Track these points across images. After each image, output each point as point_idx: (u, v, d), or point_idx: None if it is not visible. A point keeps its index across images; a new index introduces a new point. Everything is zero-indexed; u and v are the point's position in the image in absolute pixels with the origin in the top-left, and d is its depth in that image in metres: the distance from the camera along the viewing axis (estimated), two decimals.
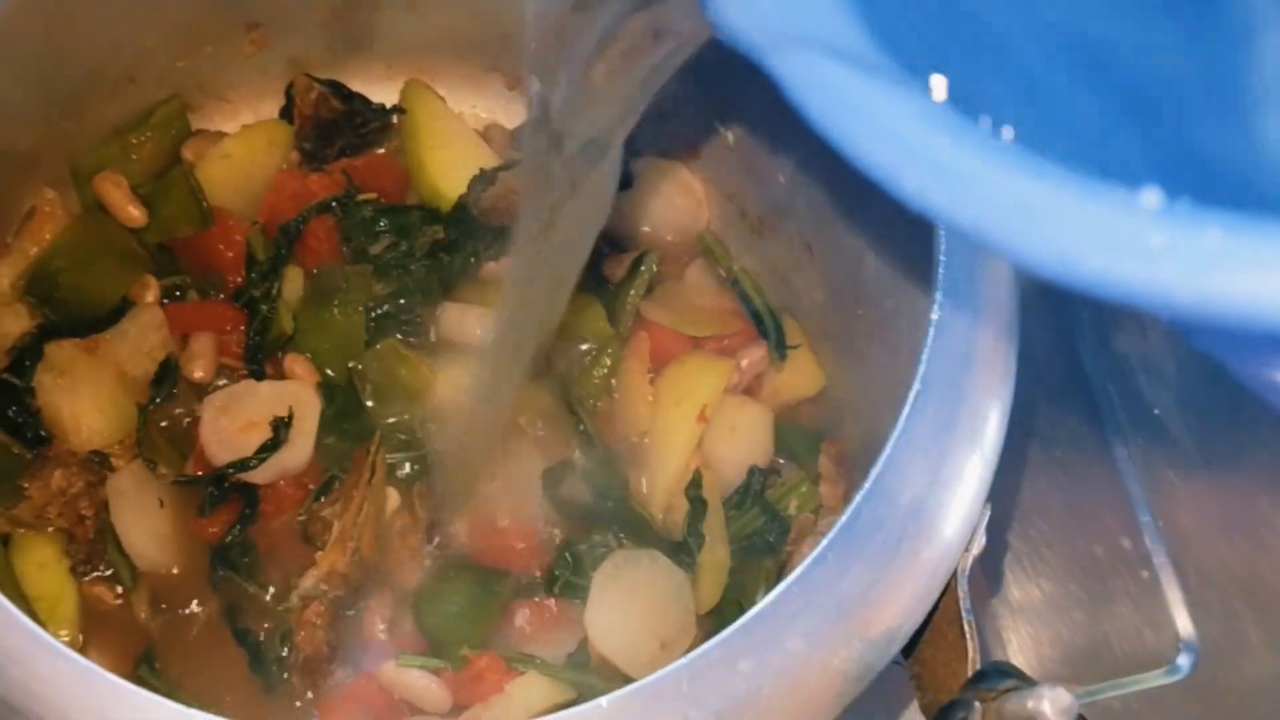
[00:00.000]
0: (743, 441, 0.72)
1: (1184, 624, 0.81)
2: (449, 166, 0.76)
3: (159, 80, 0.75)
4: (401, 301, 0.72)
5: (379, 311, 0.71)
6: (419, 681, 0.63)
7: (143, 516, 0.66)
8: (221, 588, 0.66)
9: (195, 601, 0.66)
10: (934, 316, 0.52)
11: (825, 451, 0.70)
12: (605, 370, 0.72)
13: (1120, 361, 0.88)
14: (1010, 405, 0.53)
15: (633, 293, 0.74)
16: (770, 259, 0.77)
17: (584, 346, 0.74)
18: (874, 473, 0.50)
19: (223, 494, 0.67)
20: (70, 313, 0.70)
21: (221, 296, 0.73)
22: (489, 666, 0.64)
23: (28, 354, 0.69)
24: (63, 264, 0.70)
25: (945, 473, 0.51)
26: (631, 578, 0.66)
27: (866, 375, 0.70)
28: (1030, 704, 0.43)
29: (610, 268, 0.76)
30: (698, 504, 0.70)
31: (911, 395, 0.51)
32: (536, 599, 0.67)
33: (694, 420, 0.71)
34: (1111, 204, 0.28)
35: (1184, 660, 0.80)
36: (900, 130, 0.31)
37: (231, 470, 0.67)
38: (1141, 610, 0.81)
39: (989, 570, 0.81)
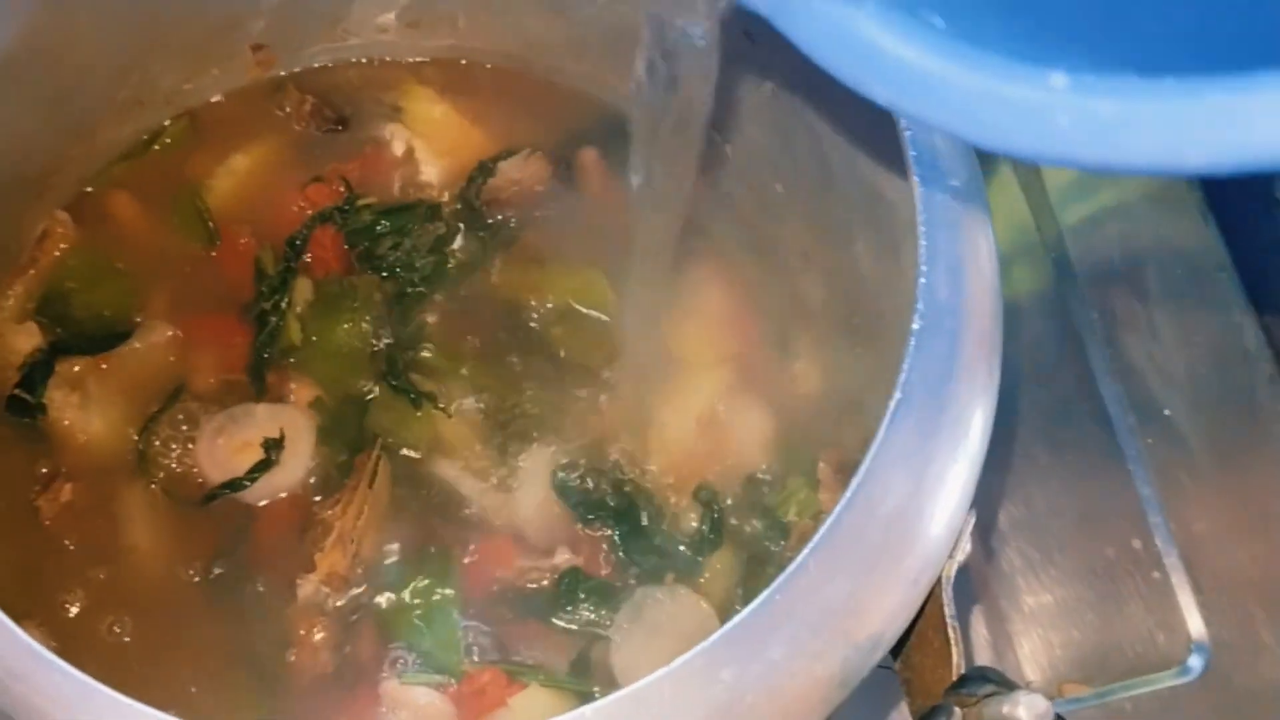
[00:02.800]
0: (744, 445, 0.72)
1: (1196, 625, 0.81)
2: (447, 161, 0.78)
3: (166, 102, 0.77)
4: (411, 294, 0.74)
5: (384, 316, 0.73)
6: (423, 698, 0.64)
7: (150, 532, 0.67)
8: (220, 606, 0.67)
9: (196, 620, 0.67)
10: (915, 326, 0.53)
11: (824, 458, 0.70)
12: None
13: (1129, 363, 0.88)
14: (993, 413, 0.53)
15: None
16: (773, 265, 0.77)
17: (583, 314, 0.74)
18: (855, 481, 0.50)
19: (219, 514, 0.68)
20: (82, 331, 0.72)
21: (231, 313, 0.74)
22: (491, 681, 0.65)
23: (39, 370, 0.70)
24: (74, 284, 0.72)
25: (928, 481, 0.51)
26: (654, 616, 0.67)
27: (864, 383, 0.71)
28: (1006, 709, 0.44)
29: None
30: (711, 506, 0.70)
31: (892, 404, 0.51)
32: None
33: (694, 420, 0.72)
34: (1029, 85, 0.36)
35: (1196, 661, 0.80)
36: (878, 51, 0.38)
37: (226, 490, 0.68)
38: (1153, 611, 0.81)
39: (1000, 575, 0.81)
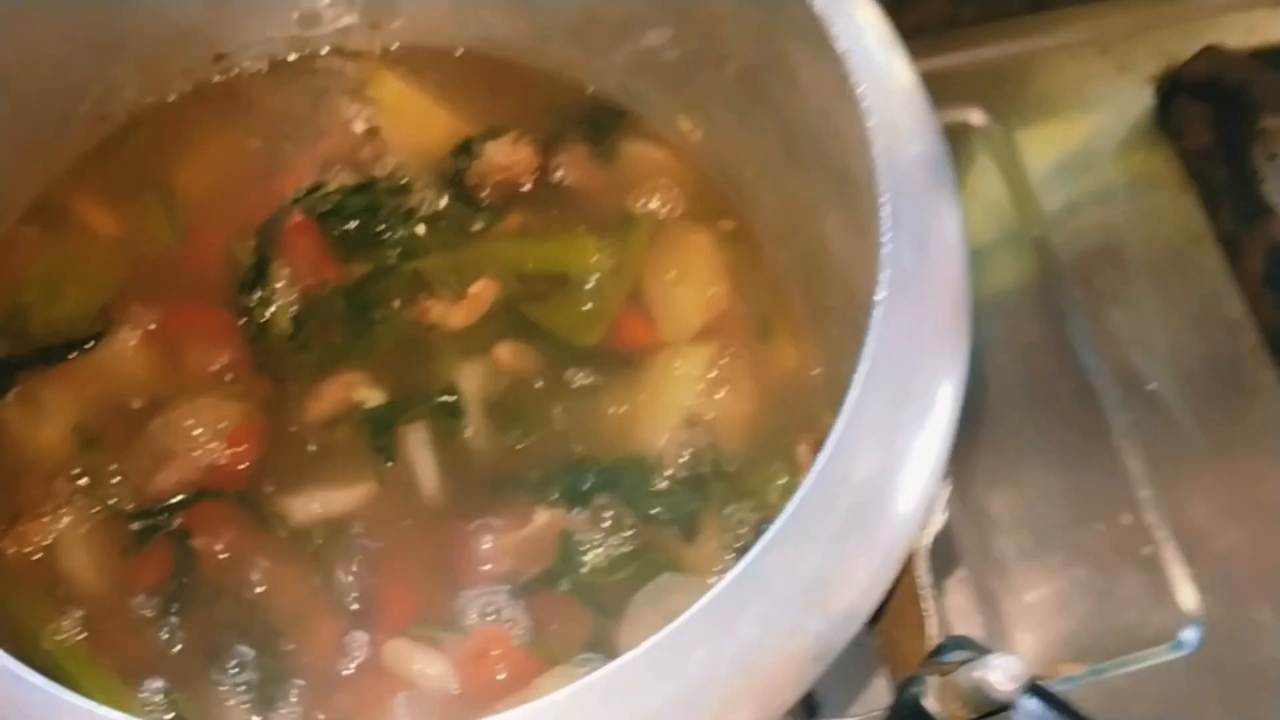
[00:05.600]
0: (724, 428, 0.72)
1: (1188, 599, 0.80)
2: (417, 140, 0.78)
3: (129, 116, 0.77)
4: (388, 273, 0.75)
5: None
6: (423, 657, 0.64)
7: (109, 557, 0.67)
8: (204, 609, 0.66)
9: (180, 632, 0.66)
10: (879, 295, 0.52)
11: (804, 440, 0.70)
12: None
13: (1112, 338, 0.87)
14: (964, 380, 0.53)
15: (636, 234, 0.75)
16: (748, 248, 0.77)
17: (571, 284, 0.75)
18: (825, 453, 0.50)
19: (148, 533, 0.67)
20: (41, 344, 0.71)
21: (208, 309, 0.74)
22: (498, 644, 0.65)
23: None
24: (35, 297, 0.71)
25: (898, 450, 0.50)
26: (674, 604, 0.66)
27: (841, 366, 0.70)
28: (979, 675, 0.43)
29: None
30: (695, 484, 0.70)
31: (860, 375, 0.51)
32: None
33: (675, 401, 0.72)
34: None
35: (1189, 635, 0.79)
36: None
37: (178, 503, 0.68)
38: (1145, 587, 0.81)
39: (988, 555, 0.81)
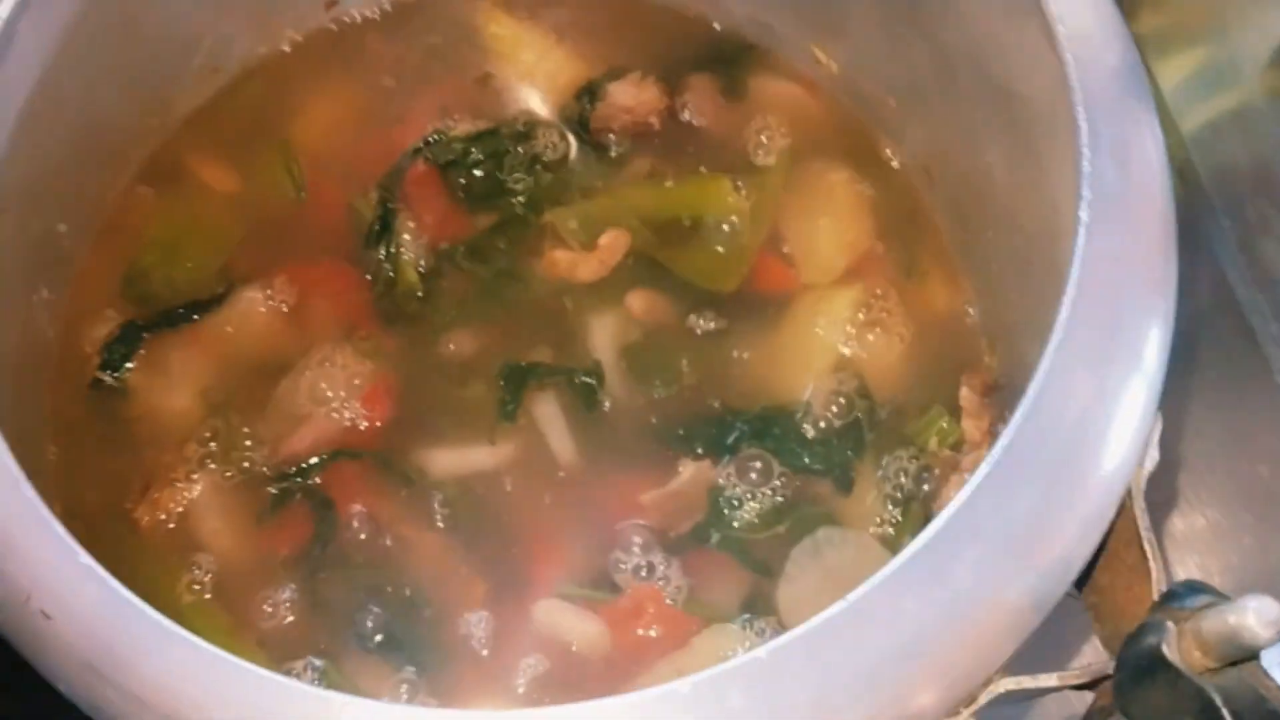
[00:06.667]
0: (877, 371, 0.68)
1: None
2: (540, 84, 0.76)
3: (241, 68, 0.74)
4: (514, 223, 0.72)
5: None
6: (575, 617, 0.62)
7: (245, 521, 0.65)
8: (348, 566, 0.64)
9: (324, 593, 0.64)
10: (1083, 217, 0.48)
11: (966, 383, 0.66)
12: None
13: (1268, 270, 0.82)
14: (1174, 310, 0.49)
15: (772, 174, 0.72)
16: (891, 185, 0.73)
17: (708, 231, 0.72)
18: (1033, 387, 0.46)
19: (285, 496, 0.65)
20: (164, 307, 0.69)
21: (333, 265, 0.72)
22: (648, 596, 0.62)
23: (117, 350, 0.68)
24: (154, 258, 0.69)
25: (1110, 384, 0.47)
26: (834, 558, 0.63)
27: (1002, 303, 0.66)
28: (1232, 619, 0.39)
29: None
30: (851, 428, 0.67)
31: (1066, 301, 0.47)
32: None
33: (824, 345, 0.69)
34: None
35: None
36: None
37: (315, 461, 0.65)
38: None
39: (1148, 502, 0.76)
